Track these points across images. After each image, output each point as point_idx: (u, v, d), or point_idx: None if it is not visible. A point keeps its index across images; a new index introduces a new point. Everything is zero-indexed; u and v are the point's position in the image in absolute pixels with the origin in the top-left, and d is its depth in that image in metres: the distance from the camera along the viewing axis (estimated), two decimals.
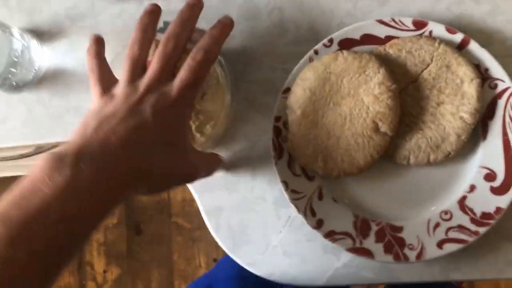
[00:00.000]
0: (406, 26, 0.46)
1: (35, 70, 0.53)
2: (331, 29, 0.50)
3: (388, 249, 0.45)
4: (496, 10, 0.47)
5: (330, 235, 0.46)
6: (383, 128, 0.44)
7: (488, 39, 0.47)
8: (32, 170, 0.35)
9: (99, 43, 0.43)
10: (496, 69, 0.44)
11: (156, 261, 1.54)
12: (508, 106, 0.44)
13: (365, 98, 0.44)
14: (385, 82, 0.44)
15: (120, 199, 0.37)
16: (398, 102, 0.44)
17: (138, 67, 0.41)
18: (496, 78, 0.44)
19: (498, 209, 0.43)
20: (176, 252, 1.50)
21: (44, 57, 0.54)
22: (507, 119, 0.44)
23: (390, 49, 0.46)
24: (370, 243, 0.45)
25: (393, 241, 0.45)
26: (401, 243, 0.45)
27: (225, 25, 0.43)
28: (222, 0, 0.51)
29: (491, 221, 0.43)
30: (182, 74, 0.40)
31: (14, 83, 0.52)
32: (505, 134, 0.44)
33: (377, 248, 0.45)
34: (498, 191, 0.44)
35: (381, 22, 0.46)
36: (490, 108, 0.45)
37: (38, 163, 0.35)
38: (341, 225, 0.46)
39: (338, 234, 0.46)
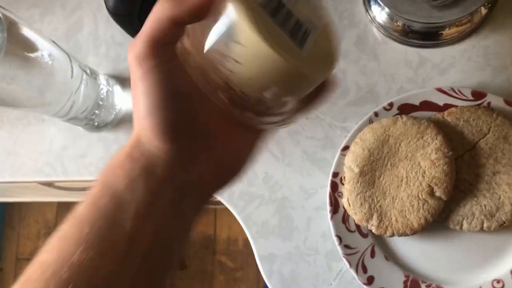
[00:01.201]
0: (464, 96, 0.48)
1: (115, 112, 0.59)
2: (391, 92, 0.52)
3: None
4: None
5: None
6: (438, 192, 0.45)
7: None
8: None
9: None
10: None
11: None
12: None
13: (422, 162, 0.46)
14: (442, 148, 0.46)
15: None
16: (454, 169, 0.46)
17: None
18: None
19: None
20: None
21: (124, 101, 0.59)
22: None
23: (448, 117, 0.48)
24: None
25: None
26: None
27: None
28: None
29: None
30: None
31: (96, 123, 0.58)
32: None
33: None
34: None
35: (441, 90, 0.49)
36: None
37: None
38: (391, 283, 0.47)
39: None
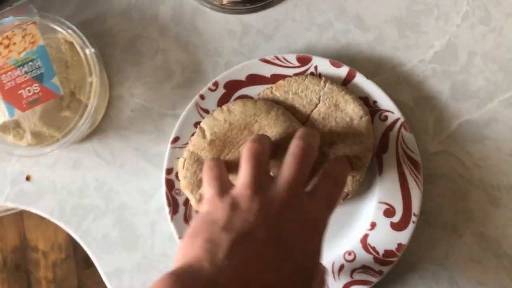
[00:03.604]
0: (290, 62, 0.44)
1: None
2: (218, 68, 0.47)
3: None
4: (382, 37, 0.46)
5: None
6: None
7: (376, 67, 0.45)
8: None
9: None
10: (384, 100, 0.43)
11: None
12: (400, 138, 0.43)
13: (272, 162, 0.41)
14: None
15: None
16: None
17: (263, 171, 0.36)
18: (385, 110, 0.43)
19: (400, 246, 0.42)
20: None
21: None
22: (400, 150, 0.43)
23: (276, 91, 0.43)
24: None
25: None
26: None
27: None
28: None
29: (393, 259, 0.42)
30: (328, 186, 0.36)
31: None
32: (399, 166, 0.43)
33: None
34: (397, 226, 0.42)
35: (265, 60, 0.44)
36: (383, 141, 0.43)
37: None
38: None
39: None
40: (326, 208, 0.35)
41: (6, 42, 0.44)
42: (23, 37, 0.43)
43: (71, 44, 0.46)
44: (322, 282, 0.36)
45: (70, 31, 0.45)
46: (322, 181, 0.37)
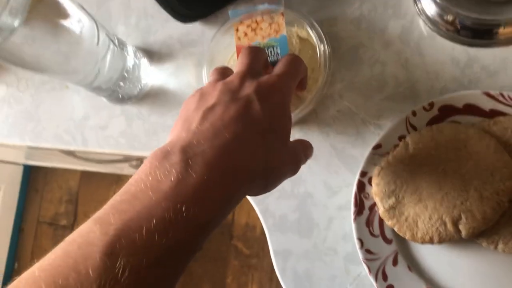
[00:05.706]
0: None
1: (140, 86, 0.57)
2: (432, 91, 0.48)
3: None
4: None
5: None
6: (462, 227, 0.41)
7: None
8: (138, 170, 0.32)
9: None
10: None
11: (209, 278, 1.55)
12: None
13: (472, 191, 0.42)
14: (502, 194, 0.41)
15: (234, 202, 0.32)
16: (496, 219, 0.41)
17: (257, 66, 0.42)
18: None
19: None
20: (230, 275, 1.50)
21: (151, 75, 0.57)
22: None
23: (494, 126, 0.44)
24: None
25: None
26: None
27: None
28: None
29: None
30: (279, 66, 0.41)
31: (120, 96, 0.56)
32: None
33: None
34: None
35: (488, 94, 0.45)
36: None
37: (144, 164, 0.32)
38: None
39: None
40: (283, 74, 0.40)
41: (254, 25, 0.49)
42: (270, 24, 0.49)
43: (301, 39, 0.50)
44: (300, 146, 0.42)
45: (311, 27, 0.49)
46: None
